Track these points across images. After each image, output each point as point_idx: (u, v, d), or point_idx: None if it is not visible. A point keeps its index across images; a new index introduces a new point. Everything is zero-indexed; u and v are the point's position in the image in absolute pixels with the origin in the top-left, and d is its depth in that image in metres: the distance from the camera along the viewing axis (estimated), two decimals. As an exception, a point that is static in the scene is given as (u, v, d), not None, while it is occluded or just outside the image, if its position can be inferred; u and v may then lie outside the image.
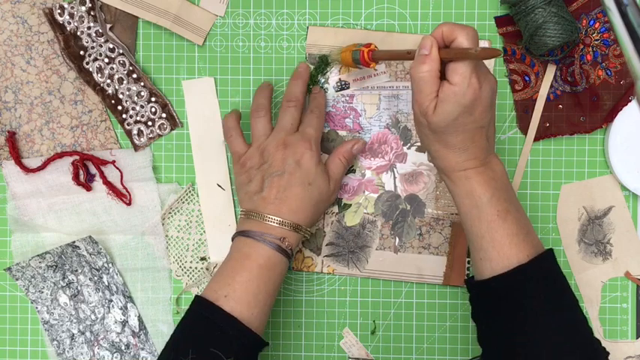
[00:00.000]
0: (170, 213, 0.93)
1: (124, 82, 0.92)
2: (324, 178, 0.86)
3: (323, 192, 0.86)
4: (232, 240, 0.85)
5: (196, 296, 0.81)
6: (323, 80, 0.91)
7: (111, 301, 0.93)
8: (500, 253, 0.74)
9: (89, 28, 0.91)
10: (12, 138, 0.93)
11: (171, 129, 0.93)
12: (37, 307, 0.94)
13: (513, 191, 0.78)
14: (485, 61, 0.90)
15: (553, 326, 0.73)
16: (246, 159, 0.87)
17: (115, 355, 0.94)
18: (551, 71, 0.90)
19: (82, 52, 0.92)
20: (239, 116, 0.90)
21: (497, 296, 0.75)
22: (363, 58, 0.83)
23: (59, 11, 0.91)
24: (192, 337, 0.79)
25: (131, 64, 0.92)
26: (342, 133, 0.92)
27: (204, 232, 0.93)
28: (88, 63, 0.92)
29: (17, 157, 0.93)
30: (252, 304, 0.80)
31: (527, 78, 0.90)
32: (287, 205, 0.83)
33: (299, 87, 0.88)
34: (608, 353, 0.75)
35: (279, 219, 0.82)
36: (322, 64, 0.91)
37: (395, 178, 0.92)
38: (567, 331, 0.73)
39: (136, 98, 0.92)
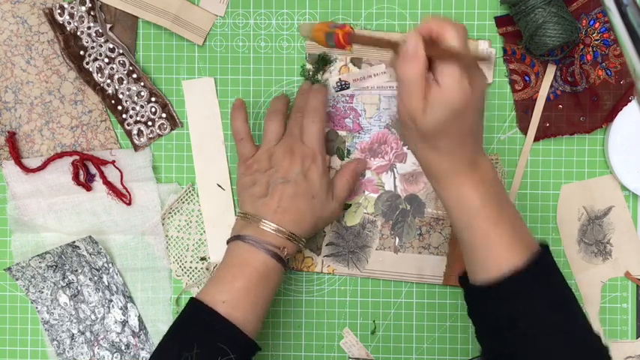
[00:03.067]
0: (170, 213, 0.93)
1: (124, 82, 0.92)
2: (328, 192, 0.86)
3: (325, 207, 0.86)
4: (227, 242, 0.85)
5: (192, 299, 0.81)
6: (322, 80, 0.91)
7: (111, 301, 0.93)
8: (495, 258, 0.72)
9: (89, 28, 0.91)
10: (12, 138, 0.93)
11: (171, 129, 0.93)
12: (37, 307, 0.94)
13: (504, 190, 0.75)
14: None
15: (551, 330, 0.71)
16: (253, 162, 0.87)
17: (115, 355, 0.94)
18: (551, 71, 0.90)
19: (82, 52, 0.92)
20: (246, 114, 0.90)
21: (493, 302, 0.74)
22: (338, 41, 0.77)
23: (59, 11, 0.91)
24: (189, 338, 0.78)
25: (131, 64, 0.92)
26: (342, 133, 0.92)
27: (204, 232, 0.93)
28: (88, 63, 0.92)
29: (17, 157, 0.93)
30: (249, 311, 0.80)
31: (527, 78, 0.90)
32: (289, 215, 0.83)
33: (305, 100, 0.88)
34: (608, 348, 0.74)
35: (280, 228, 0.82)
36: (322, 63, 0.91)
37: (395, 178, 0.92)
38: (565, 332, 0.72)
39: (136, 98, 0.92)
